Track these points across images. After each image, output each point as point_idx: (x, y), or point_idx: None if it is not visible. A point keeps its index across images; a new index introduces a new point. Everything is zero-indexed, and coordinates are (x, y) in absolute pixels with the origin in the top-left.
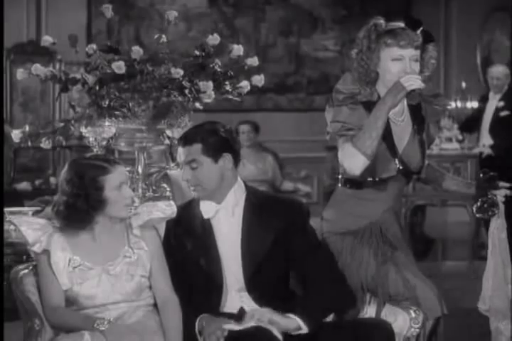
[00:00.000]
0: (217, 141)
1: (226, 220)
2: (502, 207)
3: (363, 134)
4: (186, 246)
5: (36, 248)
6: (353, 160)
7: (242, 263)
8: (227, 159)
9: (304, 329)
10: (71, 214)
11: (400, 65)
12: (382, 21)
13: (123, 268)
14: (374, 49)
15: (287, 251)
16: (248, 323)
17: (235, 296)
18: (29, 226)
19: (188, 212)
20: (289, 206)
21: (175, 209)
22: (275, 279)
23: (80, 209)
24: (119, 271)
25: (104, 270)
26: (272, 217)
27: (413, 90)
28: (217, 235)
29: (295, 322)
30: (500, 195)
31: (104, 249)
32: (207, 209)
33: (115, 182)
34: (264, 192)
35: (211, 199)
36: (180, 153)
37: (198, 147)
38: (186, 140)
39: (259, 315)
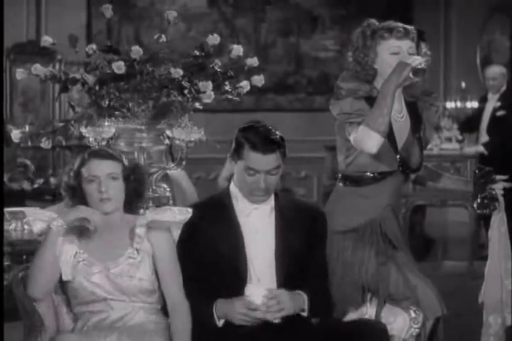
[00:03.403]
0: (285, 146)
1: (259, 220)
2: (502, 200)
3: (374, 113)
4: (213, 243)
5: (42, 238)
6: (368, 139)
7: (276, 263)
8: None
9: (306, 312)
10: (68, 192)
11: (399, 58)
12: (374, 21)
13: (124, 268)
14: (370, 45)
15: (309, 256)
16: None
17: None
18: (37, 216)
19: (214, 209)
20: (317, 215)
21: (188, 216)
22: (300, 281)
23: (68, 195)
24: (120, 270)
25: (106, 267)
26: (300, 222)
27: (416, 70)
28: (246, 235)
29: (302, 302)
30: (498, 188)
31: (109, 247)
32: (243, 207)
33: (87, 174)
34: (289, 195)
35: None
36: (260, 161)
37: (278, 154)
38: (268, 148)
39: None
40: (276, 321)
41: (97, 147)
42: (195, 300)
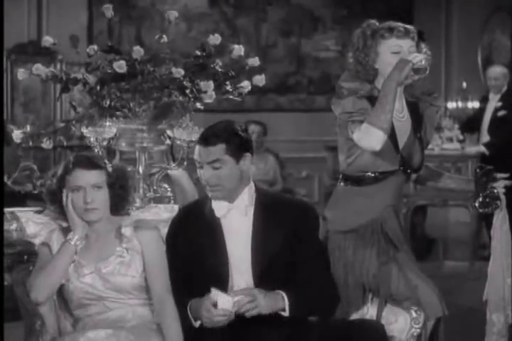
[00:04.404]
0: (239, 141)
1: (238, 220)
2: (504, 199)
3: (376, 110)
4: (194, 245)
5: (36, 240)
6: (371, 136)
7: (252, 263)
8: (247, 159)
9: (286, 312)
10: (47, 196)
11: (400, 57)
12: (374, 21)
13: (115, 267)
14: (371, 45)
15: (293, 253)
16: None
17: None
18: (30, 218)
19: (197, 210)
20: (301, 209)
21: (174, 213)
22: (283, 279)
23: (49, 200)
24: (112, 269)
25: (97, 268)
26: (282, 218)
27: (417, 68)
28: (227, 235)
29: (281, 302)
30: (499, 186)
31: (98, 247)
32: (219, 207)
33: (71, 183)
34: (275, 192)
35: (224, 199)
36: (201, 152)
37: (221, 147)
38: (209, 140)
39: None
40: (250, 315)
41: (80, 155)
42: (177, 300)
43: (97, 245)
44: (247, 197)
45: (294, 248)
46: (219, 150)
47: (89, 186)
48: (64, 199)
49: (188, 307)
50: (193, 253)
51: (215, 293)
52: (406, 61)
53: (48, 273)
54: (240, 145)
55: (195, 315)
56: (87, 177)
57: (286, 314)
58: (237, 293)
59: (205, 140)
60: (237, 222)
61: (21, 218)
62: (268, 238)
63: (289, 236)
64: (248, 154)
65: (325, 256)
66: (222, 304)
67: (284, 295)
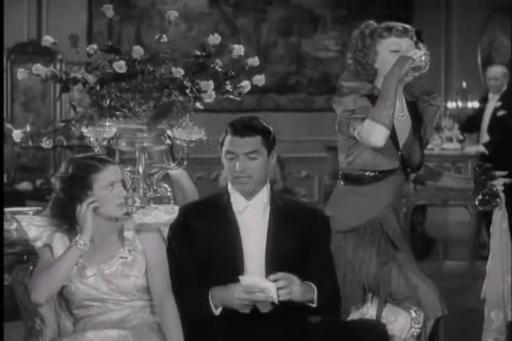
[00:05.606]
0: (272, 135)
1: (253, 218)
2: (503, 197)
3: (378, 106)
4: (210, 235)
5: (37, 243)
6: (374, 133)
7: (266, 263)
8: (275, 154)
9: (314, 303)
10: (57, 210)
11: (399, 55)
12: (372, 22)
13: (118, 268)
14: (370, 44)
15: (303, 257)
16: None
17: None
18: (31, 221)
19: (213, 203)
20: (314, 215)
21: (175, 215)
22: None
23: (65, 206)
24: (114, 270)
25: (99, 270)
26: (298, 223)
27: (417, 65)
28: (242, 231)
29: (311, 293)
30: (498, 184)
31: (101, 249)
32: (238, 203)
33: (105, 181)
34: (287, 195)
35: (248, 194)
36: (236, 143)
37: (259, 138)
38: (247, 131)
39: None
40: (265, 310)
41: (98, 153)
42: (189, 292)
43: (100, 247)
44: (265, 196)
45: (306, 253)
46: (256, 141)
47: (119, 181)
48: (88, 200)
49: (209, 296)
50: (208, 243)
51: (249, 278)
52: (406, 57)
53: (51, 275)
54: (272, 139)
55: (217, 303)
56: (118, 173)
57: (314, 305)
58: (276, 276)
59: (242, 131)
60: (252, 220)
61: (22, 222)
62: (283, 240)
63: (302, 241)
64: (276, 149)
65: (330, 266)
66: (261, 283)
67: (314, 286)
